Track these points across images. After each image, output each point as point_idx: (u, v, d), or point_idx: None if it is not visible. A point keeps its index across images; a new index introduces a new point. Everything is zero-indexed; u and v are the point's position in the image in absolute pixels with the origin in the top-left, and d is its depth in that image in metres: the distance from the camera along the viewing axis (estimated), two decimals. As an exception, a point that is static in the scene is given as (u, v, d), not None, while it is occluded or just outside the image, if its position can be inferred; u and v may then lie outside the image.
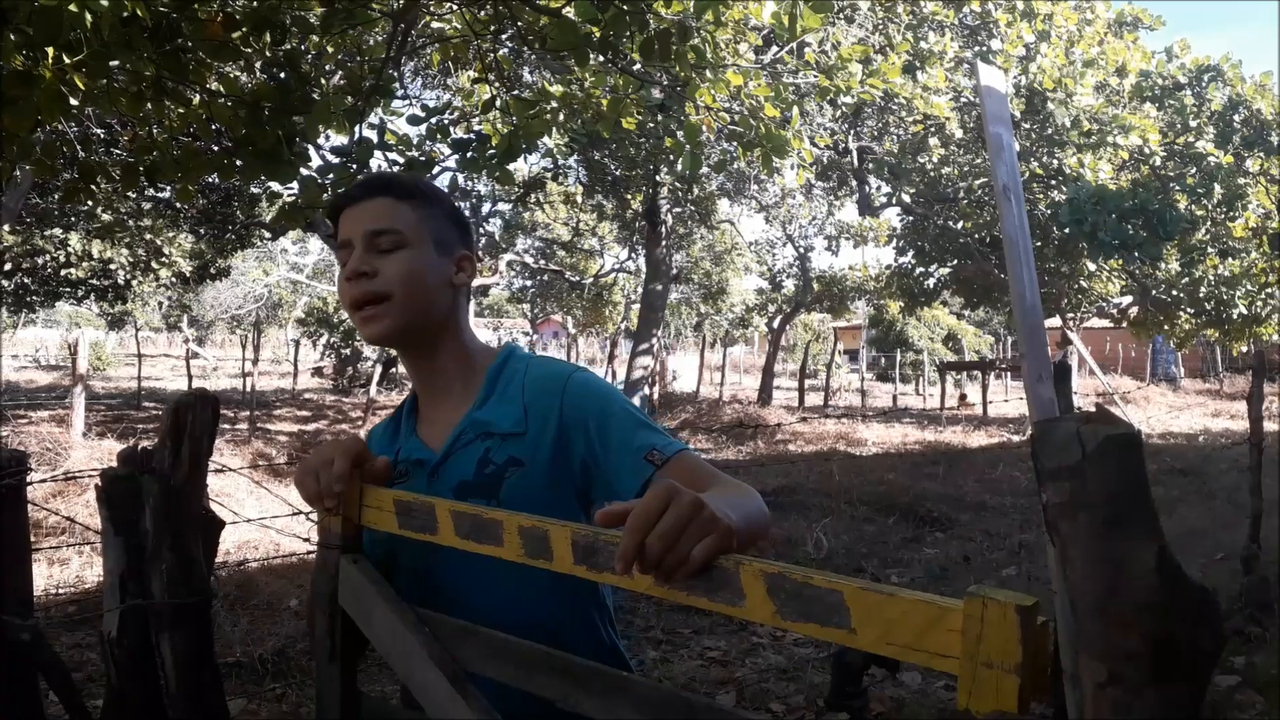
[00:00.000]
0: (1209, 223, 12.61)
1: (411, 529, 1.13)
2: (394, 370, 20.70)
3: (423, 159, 4.03)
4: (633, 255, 22.54)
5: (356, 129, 3.66)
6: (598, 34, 3.29)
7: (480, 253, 18.67)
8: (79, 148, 3.41)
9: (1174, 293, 14.11)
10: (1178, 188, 11.86)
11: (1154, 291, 14.64)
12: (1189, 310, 14.48)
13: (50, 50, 2.44)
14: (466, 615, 1.13)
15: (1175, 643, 0.63)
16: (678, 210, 15.86)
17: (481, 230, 17.62)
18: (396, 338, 1.27)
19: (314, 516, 1.31)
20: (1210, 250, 13.22)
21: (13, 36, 2.47)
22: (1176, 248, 12.84)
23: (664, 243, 15.68)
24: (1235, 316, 13.59)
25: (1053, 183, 12.60)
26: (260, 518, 4.67)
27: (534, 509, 1.04)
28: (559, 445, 1.23)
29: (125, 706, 1.57)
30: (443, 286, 1.30)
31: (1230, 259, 13.26)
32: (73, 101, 2.62)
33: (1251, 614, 4.23)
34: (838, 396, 22.02)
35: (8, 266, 10.60)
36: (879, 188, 16.05)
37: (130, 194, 10.27)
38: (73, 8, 2.28)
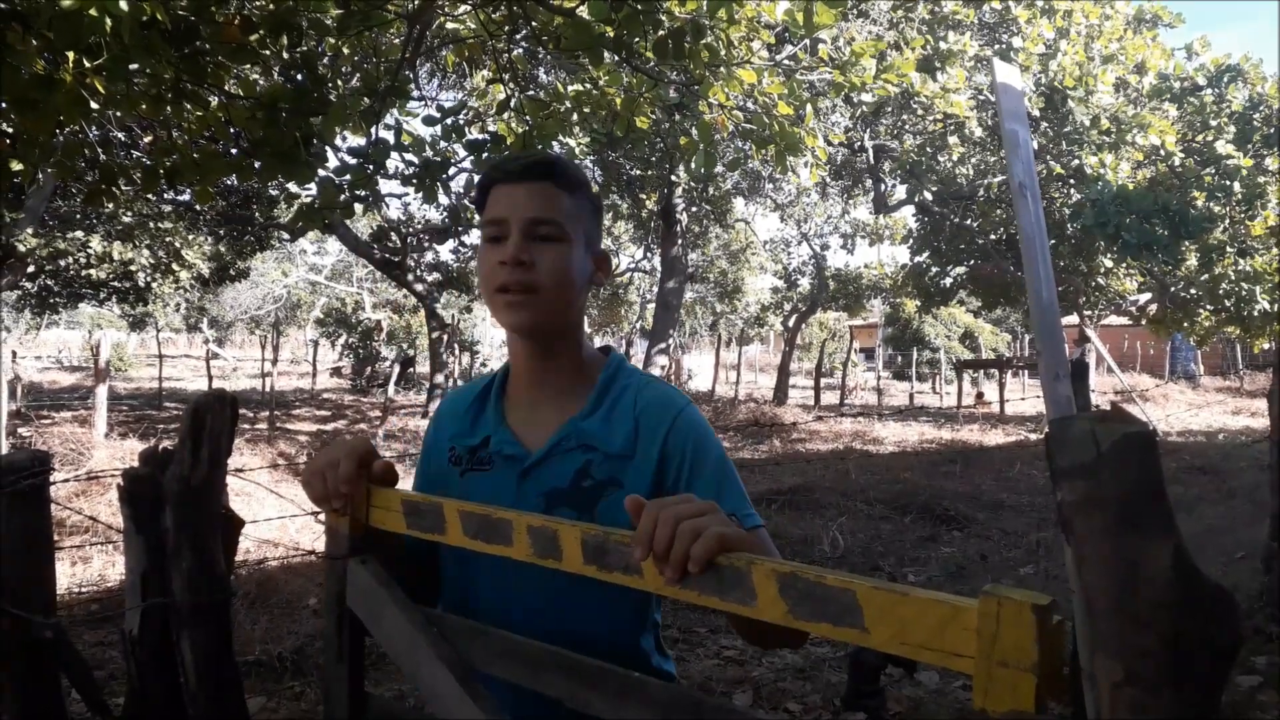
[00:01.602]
0: (1228, 221, 12.49)
1: (420, 529, 1.12)
2: (411, 370, 20.80)
3: (438, 159, 4.05)
4: (648, 254, 22.54)
5: (373, 130, 3.68)
6: (612, 33, 3.30)
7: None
8: (100, 151, 3.44)
9: (1193, 290, 13.99)
10: (1196, 187, 11.76)
11: (1173, 289, 14.51)
12: (1208, 308, 14.36)
13: (71, 54, 2.47)
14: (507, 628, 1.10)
15: (1191, 642, 0.62)
16: (693, 209, 15.85)
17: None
18: (534, 331, 1.24)
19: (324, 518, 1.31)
20: (1229, 248, 13.10)
21: (34, 41, 2.50)
22: (1196, 246, 12.74)
23: (679, 242, 15.67)
24: (1255, 314, 13.46)
25: (1072, 182, 12.51)
26: (280, 516, 4.70)
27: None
28: (658, 473, 1.20)
29: (146, 704, 1.59)
30: (584, 286, 1.27)
31: (1250, 256, 13.13)
32: (93, 105, 2.65)
33: (1273, 613, 4.18)
34: (854, 395, 21.94)
35: (31, 269, 10.72)
36: (895, 186, 15.99)
37: (150, 196, 10.36)
38: (93, 12, 2.30)
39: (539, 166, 1.23)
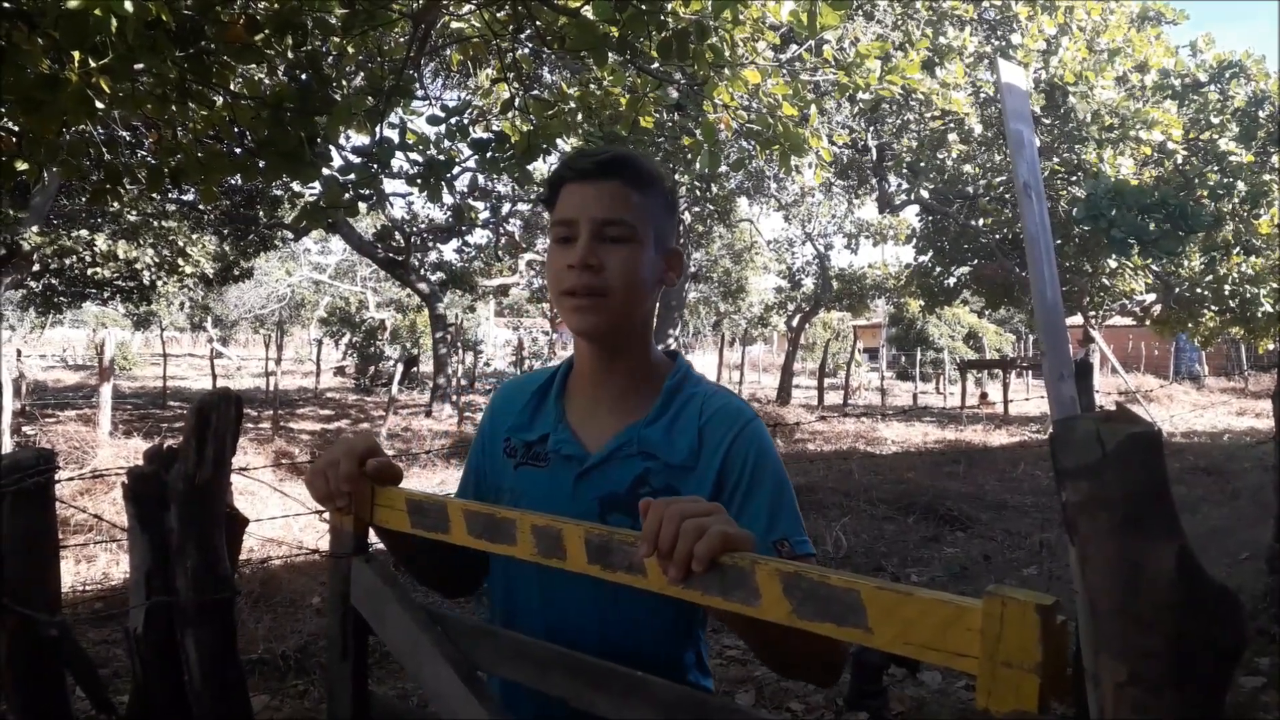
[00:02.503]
0: (1233, 220, 12.46)
1: (424, 528, 1.12)
2: (415, 369, 20.82)
3: (442, 159, 4.05)
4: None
5: (377, 129, 3.69)
6: (616, 33, 3.30)
7: (500, 252, 18.75)
8: (105, 150, 3.45)
9: (1198, 290, 13.95)
10: (1200, 184, 11.73)
11: (1177, 289, 14.48)
12: (1213, 308, 14.32)
13: (76, 54, 2.47)
14: (549, 637, 1.09)
15: (1195, 643, 0.62)
16: (696, 209, 15.85)
17: (501, 230, 17.68)
18: (600, 335, 1.21)
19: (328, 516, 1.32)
20: (1234, 247, 13.07)
21: (40, 41, 2.50)
22: (1200, 245, 12.70)
23: (682, 241, 15.67)
24: (1260, 314, 13.42)
25: (1073, 179, 12.48)
26: (283, 515, 4.71)
27: None
28: (716, 486, 1.18)
29: (150, 702, 1.59)
30: (655, 286, 1.23)
31: (1255, 256, 13.09)
32: (99, 104, 2.65)
33: (1277, 614, 4.17)
34: (857, 395, 21.92)
35: (36, 267, 10.74)
36: (899, 185, 15.97)
37: (154, 195, 10.38)
38: (98, 12, 2.31)
39: (611, 164, 1.19)
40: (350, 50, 4.16)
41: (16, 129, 2.97)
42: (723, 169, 11.64)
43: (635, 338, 1.24)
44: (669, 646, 1.22)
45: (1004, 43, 11.71)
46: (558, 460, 1.24)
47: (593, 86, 4.31)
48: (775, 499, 1.16)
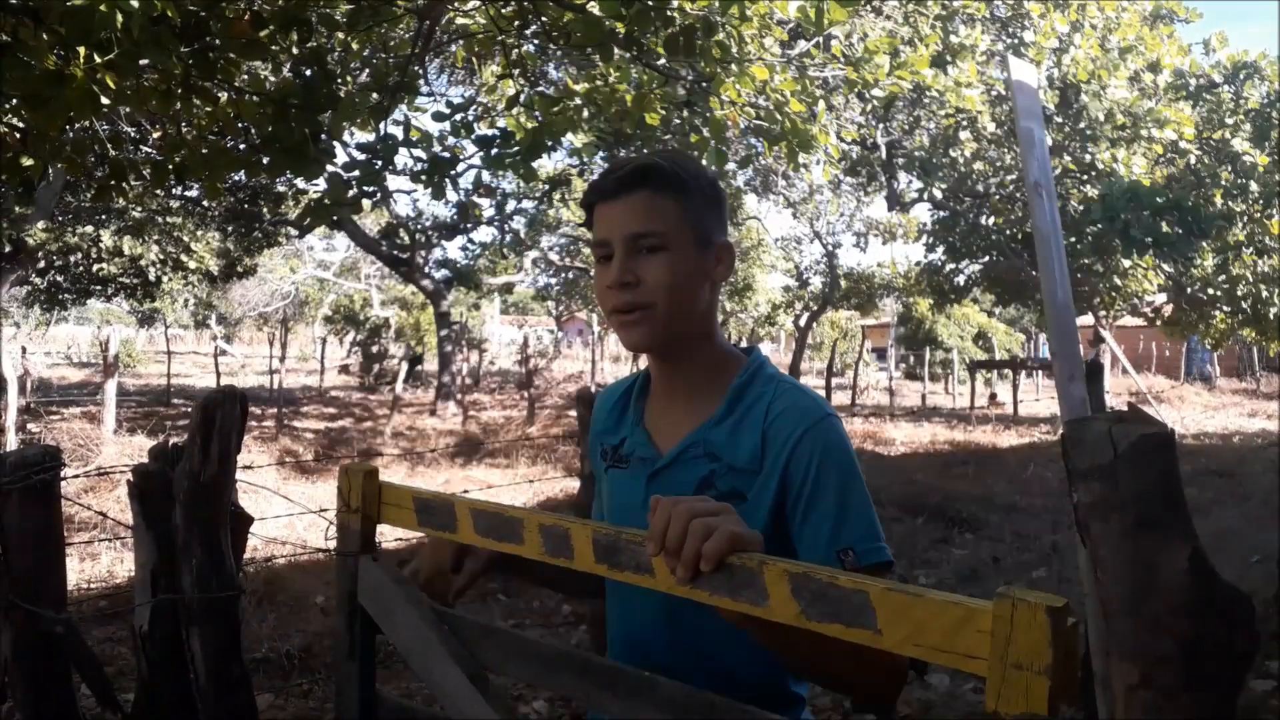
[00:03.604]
0: (1246, 220, 12.40)
1: (431, 526, 1.13)
2: (419, 367, 20.86)
3: (447, 155, 4.05)
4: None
5: (382, 126, 3.68)
6: (622, 29, 3.29)
7: (505, 250, 18.75)
8: (109, 146, 3.45)
9: (1210, 291, 13.88)
10: (1213, 185, 11.68)
11: (1189, 289, 14.42)
12: (1225, 309, 14.25)
13: (81, 50, 2.47)
14: (648, 659, 1.07)
15: (1208, 645, 0.62)
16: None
17: (506, 228, 17.69)
18: (656, 346, 1.21)
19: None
20: (1247, 248, 13.00)
21: (45, 36, 2.50)
22: (1212, 245, 12.64)
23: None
24: (1273, 315, 13.36)
25: (1085, 178, 12.44)
26: (287, 514, 4.71)
27: None
28: (780, 492, 1.14)
29: (156, 699, 1.59)
30: (702, 286, 1.21)
31: (1267, 257, 13.03)
32: (104, 100, 2.66)
33: (1287, 616, 4.15)
34: (865, 395, 21.88)
35: (40, 264, 10.78)
36: (909, 183, 15.93)
37: (159, 191, 10.40)
38: (103, 8, 2.31)
39: (634, 176, 1.18)
40: (355, 46, 4.17)
41: (21, 125, 2.98)
42: (730, 166, 11.64)
43: (694, 339, 1.23)
44: (769, 668, 1.18)
45: (1016, 40, 11.67)
46: (636, 462, 1.25)
47: (599, 83, 4.30)
48: (841, 505, 1.11)
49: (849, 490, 1.12)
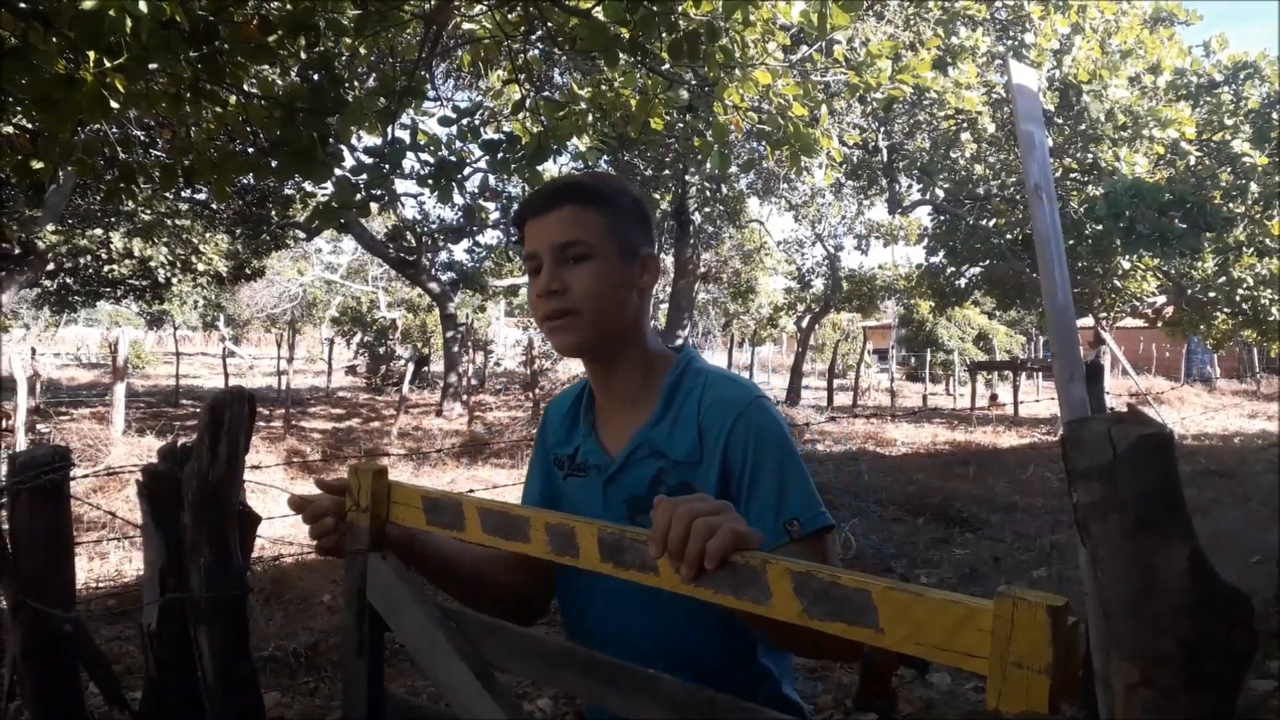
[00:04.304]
0: (1246, 221, 12.37)
1: (439, 525, 1.14)
2: (425, 369, 20.86)
3: (453, 159, 4.06)
4: (661, 255, 22.52)
5: (389, 130, 3.70)
6: (627, 34, 3.30)
7: (510, 253, 18.76)
8: (119, 149, 3.47)
9: (1210, 292, 13.86)
10: (1213, 185, 11.65)
11: (1190, 291, 14.39)
12: (1225, 310, 14.22)
13: (91, 53, 2.49)
14: (608, 647, 1.09)
15: (1208, 645, 0.62)
16: (706, 209, 15.84)
17: (512, 231, 17.67)
18: (584, 350, 1.27)
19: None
20: (1247, 249, 12.97)
21: (55, 40, 2.52)
22: (1213, 247, 12.61)
23: (691, 242, 15.67)
24: (1273, 317, 13.32)
25: (1087, 178, 12.42)
26: (294, 513, 4.72)
27: None
28: (722, 480, 1.20)
29: (164, 698, 1.61)
30: (629, 293, 1.27)
31: (1268, 258, 12.99)
32: (113, 104, 2.67)
33: (1290, 618, 4.14)
34: (867, 396, 21.85)
35: (50, 266, 10.81)
36: (909, 186, 15.92)
37: (168, 194, 10.43)
38: (113, 12, 2.32)
39: (559, 192, 1.25)
40: (362, 51, 4.18)
41: (32, 128, 3.00)
42: (733, 170, 11.64)
43: (625, 344, 1.28)
44: (743, 649, 1.23)
45: (1016, 42, 11.67)
46: (592, 469, 1.30)
47: (603, 87, 4.31)
48: (780, 480, 1.17)
49: (786, 465, 1.18)
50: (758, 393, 1.25)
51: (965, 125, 12.48)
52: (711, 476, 1.20)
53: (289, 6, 3.12)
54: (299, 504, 1.30)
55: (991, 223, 14.82)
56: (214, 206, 11.97)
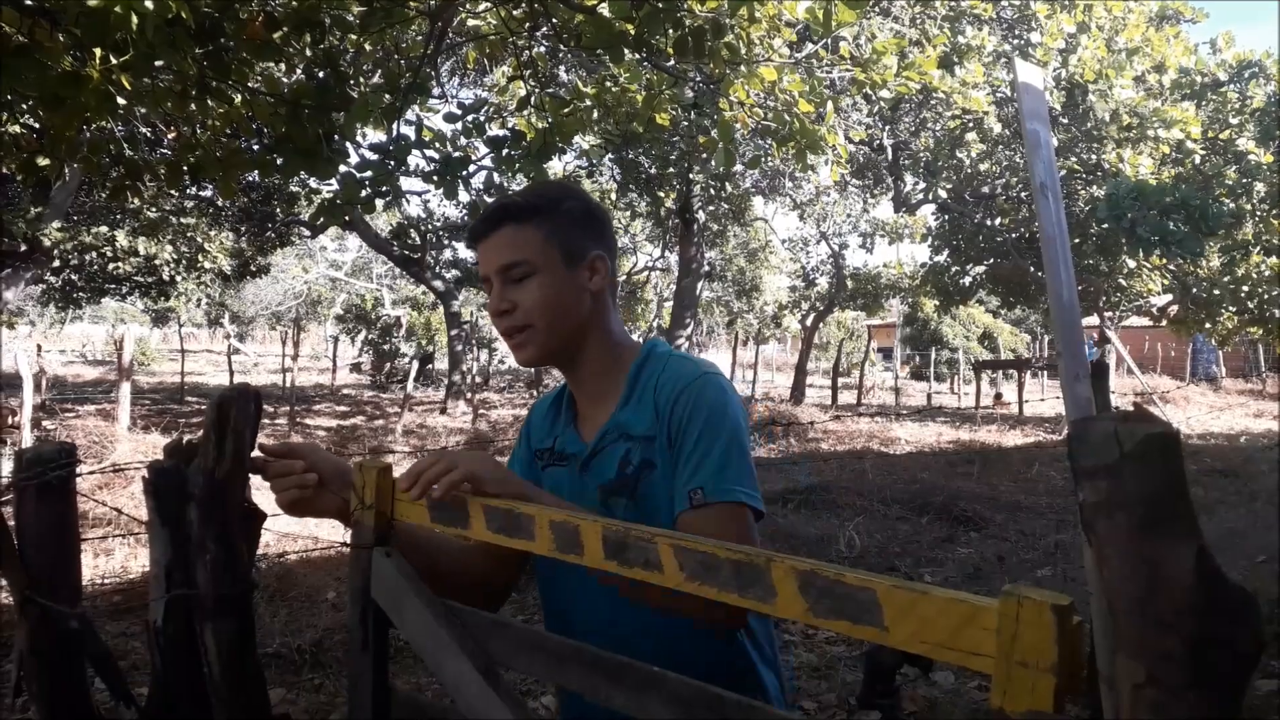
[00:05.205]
0: (1252, 220, 12.33)
1: (444, 522, 1.15)
2: (430, 366, 20.88)
3: (459, 156, 4.06)
4: (666, 253, 22.52)
5: (394, 126, 3.70)
6: (632, 31, 3.30)
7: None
8: (125, 146, 3.48)
9: (1215, 291, 13.81)
10: (1218, 184, 11.62)
11: (1195, 289, 14.34)
12: (1231, 309, 14.18)
13: (97, 51, 2.49)
14: (573, 636, 1.10)
15: (1214, 644, 0.62)
16: (711, 208, 15.82)
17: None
18: (546, 359, 1.33)
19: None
20: (1253, 247, 12.93)
21: (61, 38, 2.53)
22: (1219, 245, 12.58)
23: (696, 240, 15.66)
24: (1278, 314, 13.28)
25: (1091, 178, 12.39)
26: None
27: (664, 511, 1.18)
28: (669, 443, 1.25)
29: (170, 694, 1.61)
30: (578, 298, 1.31)
31: (1274, 257, 12.95)
32: (119, 101, 2.68)
33: (1295, 618, 4.13)
34: (871, 395, 21.85)
35: (56, 263, 10.84)
36: (915, 184, 15.90)
37: (173, 192, 10.45)
38: (119, 10, 2.33)
39: (495, 214, 1.32)
40: (368, 48, 4.19)
41: (38, 125, 3.00)
42: (738, 167, 11.63)
43: (585, 344, 1.34)
44: (711, 637, 1.26)
45: (1022, 41, 11.64)
46: (569, 458, 1.36)
47: (609, 84, 4.31)
48: (701, 448, 1.20)
49: (711, 435, 1.21)
50: (710, 370, 1.29)
51: (971, 124, 12.46)
52: (663, 447, 1.24)
53: (294, 3, 3.12)
54: (259, 465, 1.39)
55: (997, 221, 14.80)
56: (219, 204, 12.00)
